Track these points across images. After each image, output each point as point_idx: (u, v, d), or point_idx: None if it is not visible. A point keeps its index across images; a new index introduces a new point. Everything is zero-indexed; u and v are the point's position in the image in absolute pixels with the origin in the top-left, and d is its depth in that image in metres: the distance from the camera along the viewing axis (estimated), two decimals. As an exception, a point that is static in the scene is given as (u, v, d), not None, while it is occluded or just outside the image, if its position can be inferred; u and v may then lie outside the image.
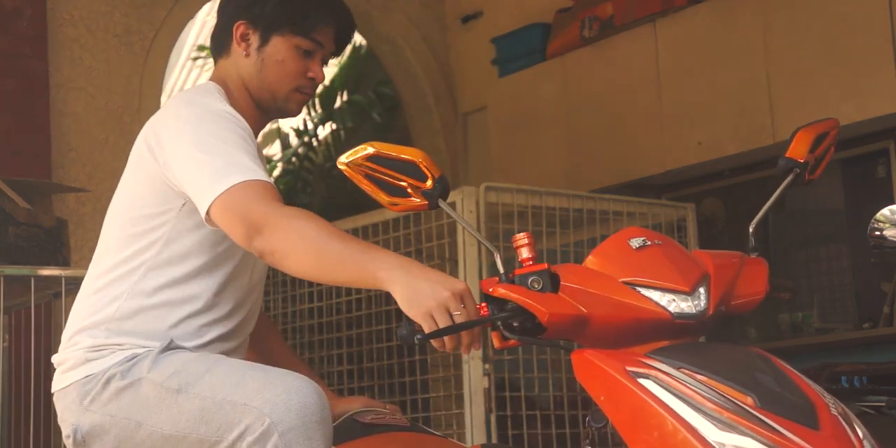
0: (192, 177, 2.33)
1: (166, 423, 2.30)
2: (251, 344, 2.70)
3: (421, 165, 2.11)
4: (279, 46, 2.52)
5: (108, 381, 2.36)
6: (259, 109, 2.57)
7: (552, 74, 6.60)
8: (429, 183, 2.11)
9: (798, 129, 2.27)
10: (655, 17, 6.09)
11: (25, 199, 4.42)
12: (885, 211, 2.36)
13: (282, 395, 2.21)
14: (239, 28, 2.53)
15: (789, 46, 5.55)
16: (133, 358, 2.37)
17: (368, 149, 2.11)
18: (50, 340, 4.65)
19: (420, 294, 2.03)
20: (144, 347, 2.39)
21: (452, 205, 4.46)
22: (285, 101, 2.55)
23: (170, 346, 2.38)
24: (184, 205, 2.40)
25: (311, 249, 2.16)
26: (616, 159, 6.21)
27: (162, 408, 2.31)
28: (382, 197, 2.14)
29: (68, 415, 2.41)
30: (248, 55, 2.53)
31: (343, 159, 2.13)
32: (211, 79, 2.58)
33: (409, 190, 2.12)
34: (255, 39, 2.53)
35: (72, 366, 2.41)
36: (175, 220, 2.41)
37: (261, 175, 2.29)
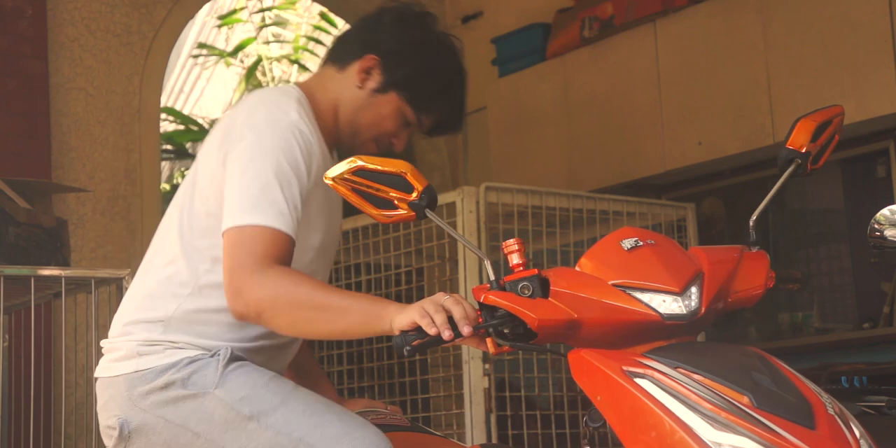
0: (230, 186, 2.33)
1: (231, 444, 2.30)
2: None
3: (407, 177, 2.11)
4: (391, 102, 2.49)
5: (166, 386, 2.34)
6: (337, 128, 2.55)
7: (552, 74, 6.59)
8: (414, 194, 2.11)
9: (799, 119, 2.24)
10: (655, 17, 6.09)
11: (25, 199, 4.43)
12: (885, 211, 2.35)
13: None
14: (369, 61, 2.49)
15: (789, 46, 5.55)
16: (192, 363, 2.35)
17: (355, 162, 2.12)
18: (50, 340, 4.65)
19: (412, 305, 2.08)
20: (199, 348, 2.37)
21: (452, 205, 4.46)
22: (361, 145, 2.54)
23: (233, 357, 2.36)
24: None
25: (308, 305, 2.20)
26: (616, 159, 6.21)
27: (227, 429, 2.30)
28: (371, 210, 2.14)
29: (113, 405, 2.40)
30: (361, 88, 2.50)
31: (329, 174, 2.13)
32: (303, 83, 2.55)
33: (396, 202, 2.13)
34: (376, 80, 2.49)
35: (123, 356, 2.40)
36: None
37: (280, 223, 2.28)
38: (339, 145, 2.57)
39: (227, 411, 2.30)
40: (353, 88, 2.50)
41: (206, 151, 2.45)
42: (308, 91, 2.51)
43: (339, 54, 2.55)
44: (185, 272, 2.42)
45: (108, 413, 2.41)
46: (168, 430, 2.34)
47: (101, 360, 2.46)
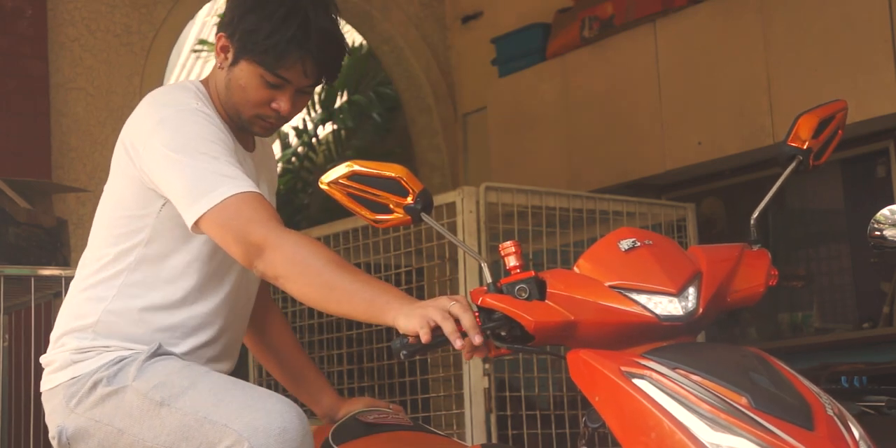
0: (173, 182, 2.31)
1: (148, 434, 2.31)
2: (270, 352, 2.72)
3: (401, 181, 2.11)
4: (244, 72, 2.41)
5: (94, 386, 2.36)
6: None
7: (552, 74, 6.60)
8: (410, 198, 2.11)
9: (800, 114, 2.22)
10: (655, 17, 6.09)
11: (25, 199, 4.43)
12: (885, 211, 2.35)
13: (262, 419, 2.20)
14: (220, 40, 2.45)
15: (789, 46, 5.55)
16: (120, 361, 2.37)
17: (349, 167, 2.11)
18: (50, 340, 4.65)
19: (416, 309, 2.04)
20: (131, 350, 2.39)
21: (452, 205, 4.45)
22: (249, 123, 2.47)
23: (157, 352, 2.38)
24: (163, 205, 2.38)
25: (318, 280, 2.17)
26: (616, 159, 6.21)
27: (144, 419, 2.31)
28: (366, 215, 2.14)
29: (55, 416, 2.42)
30: (221, 68, 2.46)
31: (324, 179, 2.12)
32: (204, 80, 2.53)
33: (391, 206, 2.12)
34: (230, 56, 2.44)
35: (58, 367, 2.42)
36: (155, 221, 2.40)
37: (249, 185, 2.27)
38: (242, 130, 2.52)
39: (143, 401, 2.31)
40: (219, 72, 2.47)
41: (117, 158, 2.46)
42: (206, 87, 2.49)
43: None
44: (108, 277, 2.43)
45: (52, 424, 2.43)
46: (99, 430, 2.36)
47: (43, 375, 2.47)
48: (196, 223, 2.27)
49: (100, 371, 2.36)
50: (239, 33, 2.40)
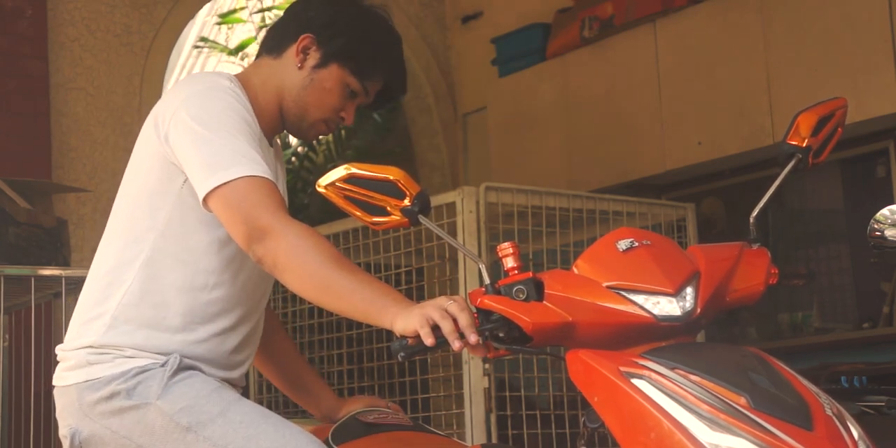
0: (191, 155, 2.31)
1: None
2: (266, 355, 2.70)
3: (398, 184, 2.11)
4: (333, 75, 2.47)
5: (111, 396, 2.33)
6: (280, 116, 2.53)
7: (552, 74, 6.60)
8: (407, 200, 2.11)
9: (799, 113, 2.22)
10: (655, 17, 6.09)
11: (25, 199, 4.43)
12: (885, 211, 2.35)
13: None
14: (304, 40, 2.48)
15: (789, 46, 5.55)
16: (138, 374, 2.34)
17: (346, 170, 2.12)
18: (50, 340, 4.65)
19: (415, 309, 2.04)
20: (147, 353, 2.36)
21: (452, 205, 4.45)
22: (309, 126, 2.52)
23: (181, 366, 2.35)
24: (184, 182, 2.37)
25: (317, 275, 2.16)
26: (616, 159, 6.21)
27: (167, 440, 2.29)
28: (364, 218, 2.14)
29: (67, 415, 2.40)
30: (301, 68, 2.48)
31: (321, 182, 2.13)
32: (237, 73, 2.54)
33: (388, 208, 2.12)
34: (314, 57, 2.48)
35: (73, 366, 2.40)
36: (176, 199, 2.39)
37: (264, 170, 2.27)
38: (286, 130, 2.55)
39: (167, 422, 2.29)
40: (293, 71, 2.49)
41: (145, 134, 2.44)
42: (243, 79, 2.50)
43: (273, 43, 2.54)
44: (128, 260, 2.40)
45: (63, 422, 2.41)
46: (115, 441, 2.33)
47: (56, 369, 2.45)
48: (205, 198, 2.28)
49: (117, 381, 2.33)
50: (341, 40, 2.46)
